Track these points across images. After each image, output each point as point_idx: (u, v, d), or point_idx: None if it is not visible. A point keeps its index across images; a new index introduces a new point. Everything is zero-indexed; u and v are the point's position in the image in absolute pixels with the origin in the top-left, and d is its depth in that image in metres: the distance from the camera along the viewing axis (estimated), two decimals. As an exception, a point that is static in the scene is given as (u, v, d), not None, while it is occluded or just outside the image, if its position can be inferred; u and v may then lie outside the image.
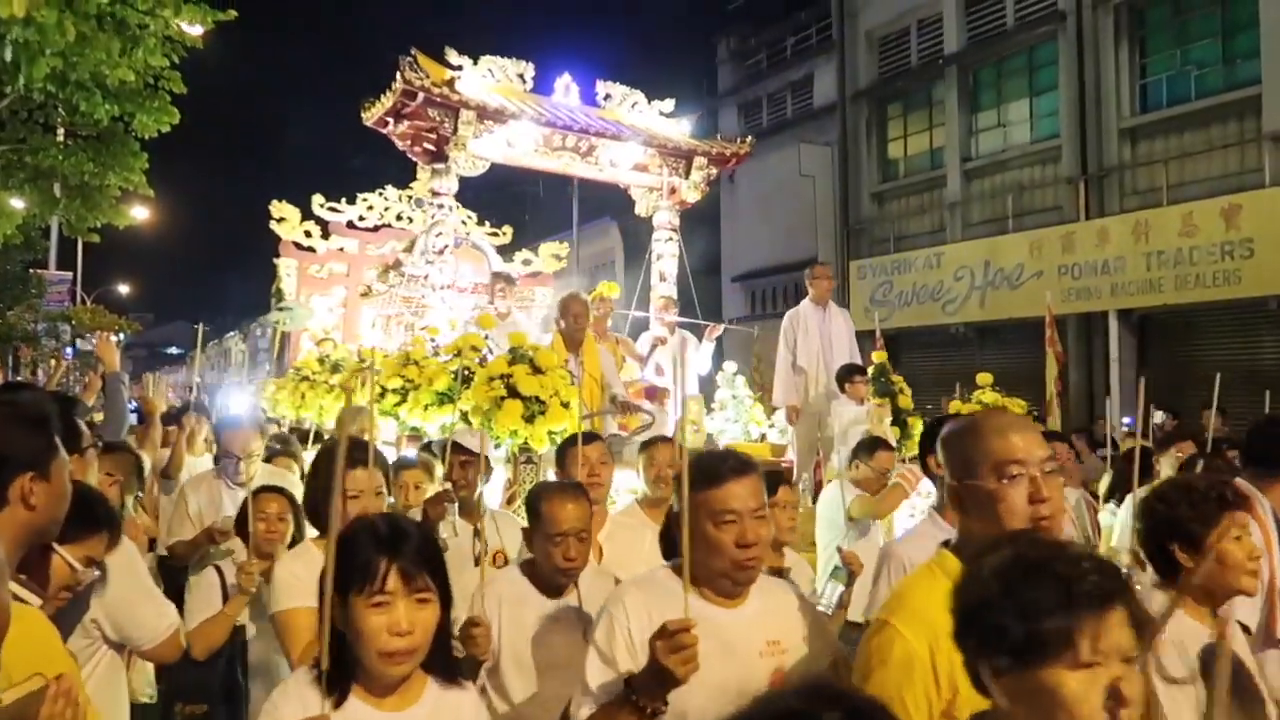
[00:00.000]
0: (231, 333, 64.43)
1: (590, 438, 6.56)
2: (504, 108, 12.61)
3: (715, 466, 3.39)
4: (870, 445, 8.66)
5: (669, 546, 3.86)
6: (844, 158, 29.15)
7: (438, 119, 12.32)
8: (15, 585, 2.67)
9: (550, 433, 9.08)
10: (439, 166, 12.75)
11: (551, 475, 8.16)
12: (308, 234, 17.75)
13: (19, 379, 22.71)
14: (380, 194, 18.27)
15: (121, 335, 31.96)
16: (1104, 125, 23.31)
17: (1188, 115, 22.20)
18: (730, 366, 13.60)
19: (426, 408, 10.17)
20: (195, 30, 14.33)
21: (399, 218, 18.38)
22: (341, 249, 18.19)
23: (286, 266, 17.93)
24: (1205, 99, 21.85)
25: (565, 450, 6.61)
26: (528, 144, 13.20)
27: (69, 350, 28.40)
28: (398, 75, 12.08)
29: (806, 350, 11.70)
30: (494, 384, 9.04)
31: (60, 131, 18.36)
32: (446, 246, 12.84)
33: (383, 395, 10.89)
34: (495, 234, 17.74)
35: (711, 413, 13.21)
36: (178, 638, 4.52)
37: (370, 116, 12.89)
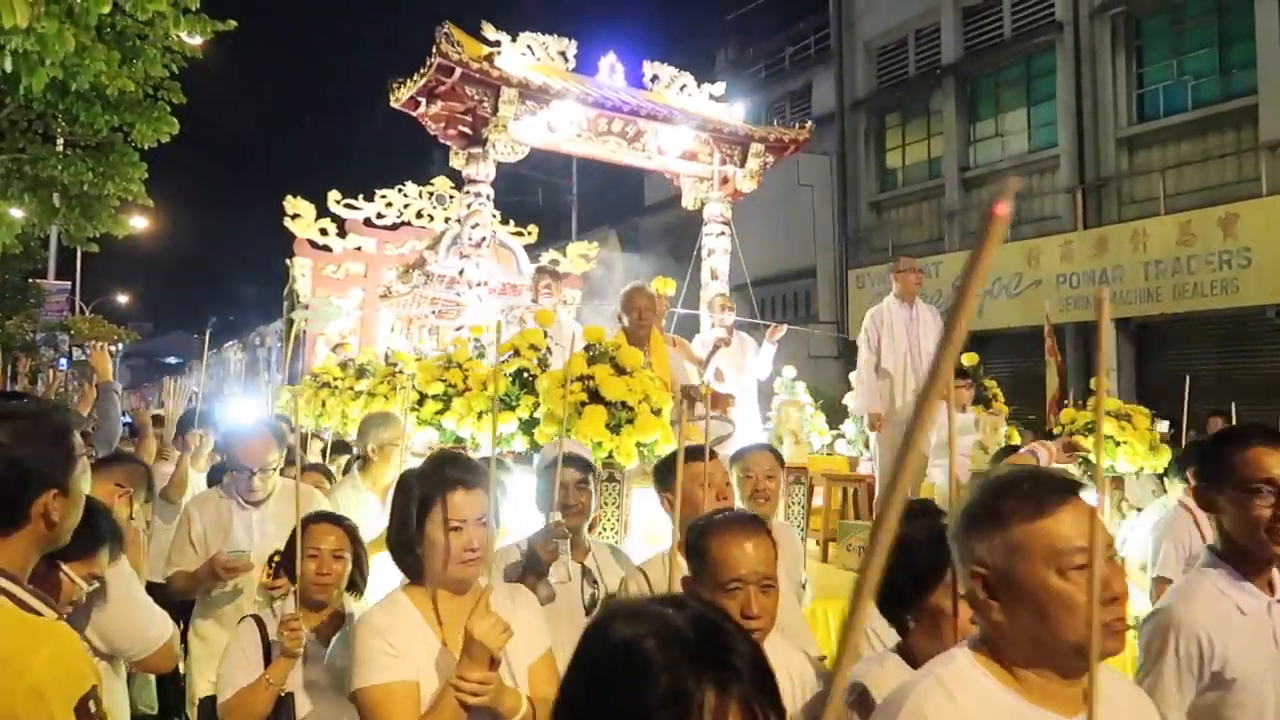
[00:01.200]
0: (230, 342, 61.76)
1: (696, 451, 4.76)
2: (548, 86, 10.58)
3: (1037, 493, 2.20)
4: (1007, 456, 6.85)
5: None
6: (842, 167, 27.70)
7: (476, 98, 10.29)
8: (31, 598, 2.43)
9: (638, 445, 7.07)
10: (475, 151, 10.72)
11: (641, 496, 6.95)
12: (323, 232, 15.64)
13: (17, 389, 21.45)
14: (399, 190, 16.12)
15: (120, 345, 30.10)
16: (1101, 135, 22.28)
17: (1185, 125, 21.27)
18: (789, 372, 11.49)
19: (480, 415, 8.15)
20: (195, 40, 13.23)
21: (419, 215, 16.21)
22: (359, 248, 16.01)
23: (301, 266, 15.79)
24: (1202, 109, 20.92)
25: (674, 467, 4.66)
26: (570, 128, 11.17)
27: (63, 361, 26.95)
28: (432, 49, 10.07)
29: (892, 351, 9.71)
30: (571, 387, 7.05)
31: (60, 141, 16.88)
32: (484, 239, 10.82)
33: (421, 402, 8.85)
34: (520, 233, 15.70)
35: (768, 420, 11.21)
36: (171, 648, 4.08)
37: (399, 97, 10.83)
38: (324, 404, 11.45)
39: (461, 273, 10.84)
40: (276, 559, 5.18)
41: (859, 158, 27.56)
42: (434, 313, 12.38)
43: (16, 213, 18.18)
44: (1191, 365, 18.99)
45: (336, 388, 11.46)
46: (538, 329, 8.36)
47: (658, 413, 7.15)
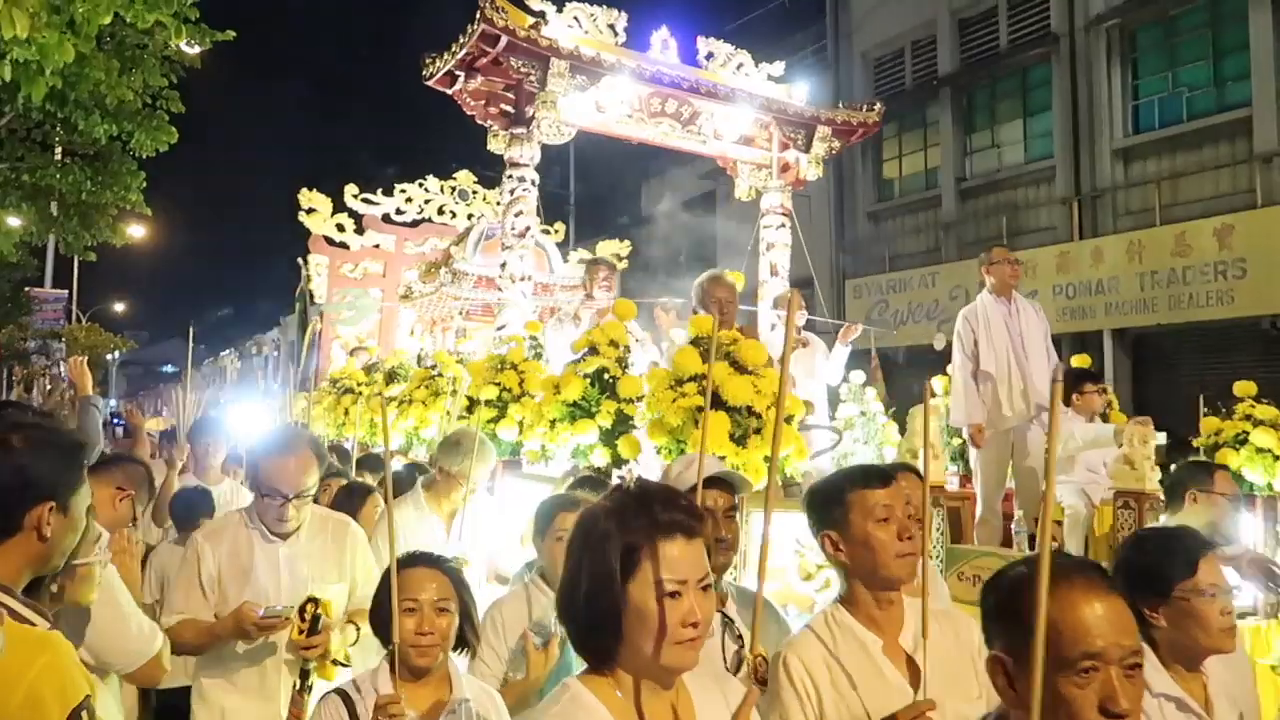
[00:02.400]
0: (227, 350, 59.10)
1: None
2: (600, 59, 8.80)
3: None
4: (1203, 470, 5.54)
5: None
6: (839, 177, 25.82)
7: (522, 70, 8.50)
8: (25, 609, 2.36)
9: (765, 459, 5.30)
10: (518, 132, 8.93)
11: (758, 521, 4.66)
12: (340, 228, 13.73)
13: (11, 398, 20.24)
14: (420, 184, 14.19)
15: (116, 353, 28.50)
16: (1097, 146, 20.80)
17: (1180, 136, 19.81)
18: (857, 376, 9.66)
19: (554, 424, 6.36)
20: (194, 50, 12.60)
21: (441, 211, 14.25)
22: (377, 245, 14.05)
23: (317, 264, 13.86)
24: (1197, 120, 19.51)
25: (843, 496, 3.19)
26: (621, 108, 9.40)
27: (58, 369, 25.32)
28: (475, 17, 8.29)
29: (992, 354, 7.95)
30: (685, 389, 5.28)
31: (58, 150, 16.30)
32: (528, 229, 9.02)
33: (471, 408, 7.09)
34: (546, 230, 13.85)
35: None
36: (160, 661, 3.57)
37: (433, 73, 9.02)
38: (346, 412, 9.61)
39: (504, 266, 9.02)
40: (312, 609, 4.03)
41: (856, 168, 25.89)
42: (461, 313, 10.61)
43: (14, 221, 17.75)
44: (1187, 376, 18.41)
45: (360, 393, 9.63)
46: (618, 322, 6.57)
47: (789, 420, 5.40)
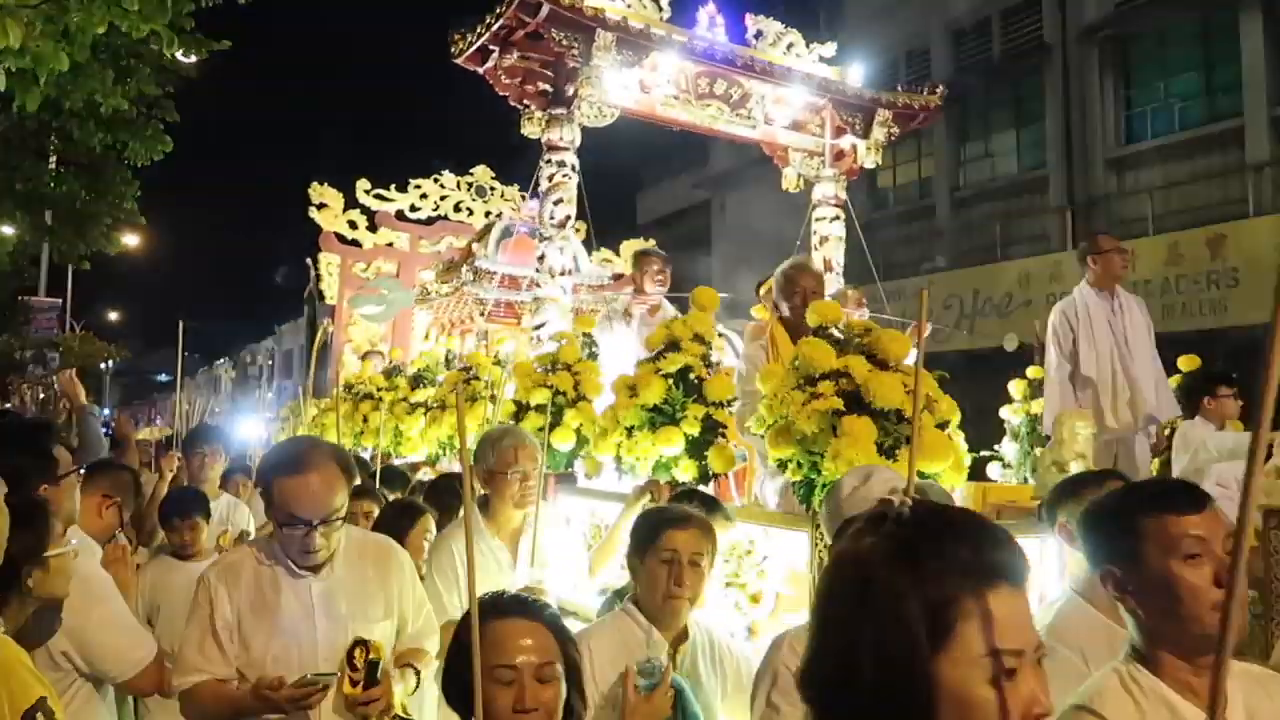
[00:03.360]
0: (221, 360, 56.96)
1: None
2: (649, 32, 7.55)
3: None
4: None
5: None
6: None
7: (565, 44, 7.22)
8: None
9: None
10: (558, 113, 7.63)
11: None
12: (352, 225, 12.36)
13: (6, 406, 19.13)
14: (436, 179, 12.82)
15: (110, 362, 27.11)
16: (1090, 156, 20.08)
17: (1172, 146, 19.16)
18: (920, 377, 8.44)
19: (631, 431, 5.09)
20: (189, 60, 11.42)
21: (457, 208, 12.85)
22: (391, 244, 12.67)
23: (328, 263, 12.44)
24: (1189, 130, 18.91)
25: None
26: (667, 88, 8.10)
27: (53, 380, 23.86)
28: (514, -14, 7.04)
29: (1093, 356, 6.72)
30: (818, 389, 4.03)
31: (53, 159, 15.17)
32: (569, 218, 7.74)
33: (519, 415, 5.85)
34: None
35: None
36: (157, 669, 3.39)
37: (463, 49, 7.72)
38: (365, 420, 8.29)
39: (541, 259, 7.73)
40: (364, 654, 3.11)
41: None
42: (483, 314, 9.35)
43: (8, 230, 16.52)
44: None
45: (380, 400, 8.31)
46: (704, 314, 5.32)
47: (943, 427, 4.15)
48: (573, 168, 7.72)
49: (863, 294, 8.28)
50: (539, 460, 4.72)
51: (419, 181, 12.59)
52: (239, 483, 7.46)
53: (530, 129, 7.90)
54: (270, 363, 44.22)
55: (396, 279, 10.42)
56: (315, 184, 12.14)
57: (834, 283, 8.81)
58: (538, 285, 7.72)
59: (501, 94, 7.94)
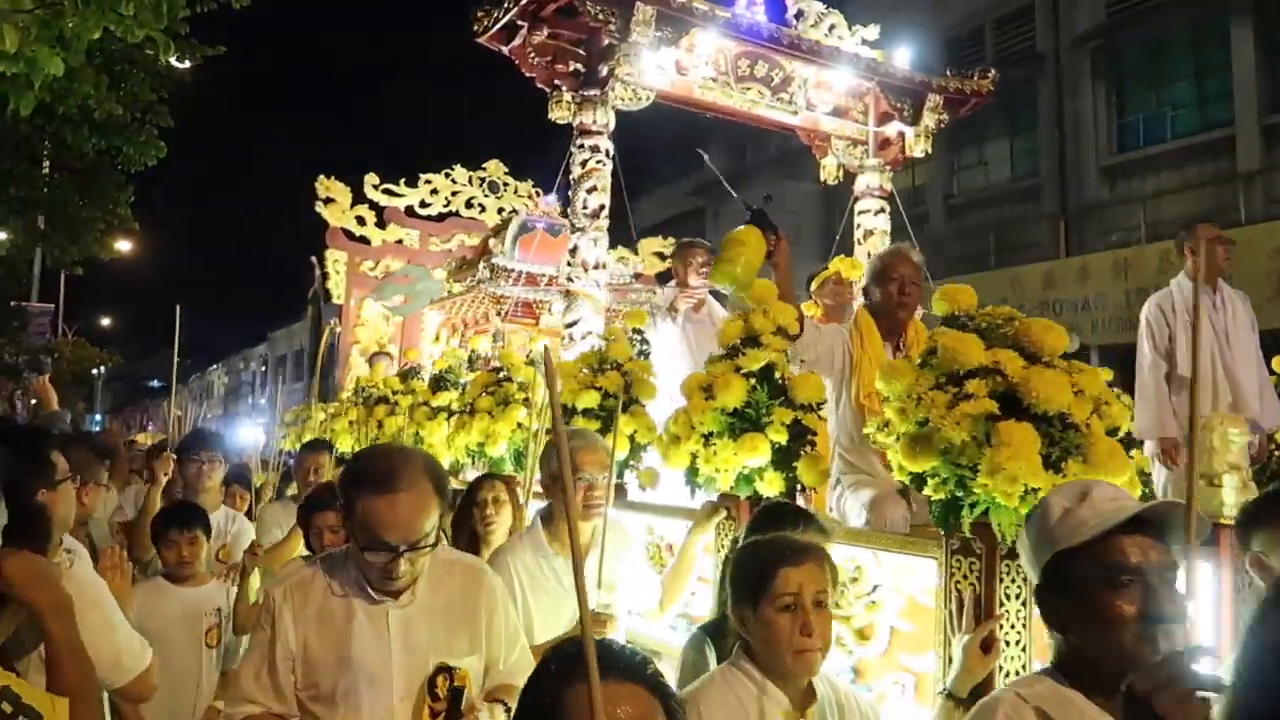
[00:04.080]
0: (214, 366, 55.45)
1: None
2: (690, 6, 6.69)
3: None
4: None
5: None
6: (827, 195, 23.66)
7: (601, 18, 6.35)
8: None
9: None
10: (591, 94, 6.76)
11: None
12: (360, 220, 11.41)
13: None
14: (446, 174, 11.86)
15: (102, 368, 26.24)
16: (1083, 164, 19.49)
17: (1164, 154, 18.55)
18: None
19: (708, 440, 4.23)
20: (184, 65, 11.23)
21: (469, 204, 11.88)
22: (400, 241, 11.69)
23: (335, 260, 11.47)
24: (1181, 139, 18.27)
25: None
26: (705, 69, 7.23)
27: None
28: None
29: (1192, 353, 5.89)
30: (969, 386, 3.19)
31: (46, 164, 14.67)
32: (602, 208, 6.87)
33: (569, 418, 5.10)
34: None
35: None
36: (150, 675, 3.15)
37: (486, 27, 6.85)
38: (380, 425, 7.38)
39: (574, 251, 6.85)
40: (446, 682, 2.64)
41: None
42: (499, 314, 8.48)
43: (1, 235, 16.22)
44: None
45: (396, 404, 7.41)
46: (788, 306, 4.46)
47: (1113, 433, 3.31)
48: (606, 153, 6.87)
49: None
50: (608, 466, 3.94)
51: (429, 176, 11.62)
52: (236, 494, 6.68)
53: (559, 113, 7.02)
54: (263, 369, 43.01)
55: (424, 267, 9.46)
56: (322, 178, 11.20)
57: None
58: (570, 281, 6.84)
59: (528, 75, 7.06)
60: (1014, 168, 21.07)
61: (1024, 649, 3.27)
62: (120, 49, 10.69)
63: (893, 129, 8.03)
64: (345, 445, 7.79)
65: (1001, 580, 3.29)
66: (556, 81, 6.93)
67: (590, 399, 5.12)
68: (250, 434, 12.91)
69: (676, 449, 4.32)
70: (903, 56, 7.93)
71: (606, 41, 6.56)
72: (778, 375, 4.24)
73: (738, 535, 3.98)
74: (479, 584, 2.89)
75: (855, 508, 4.54)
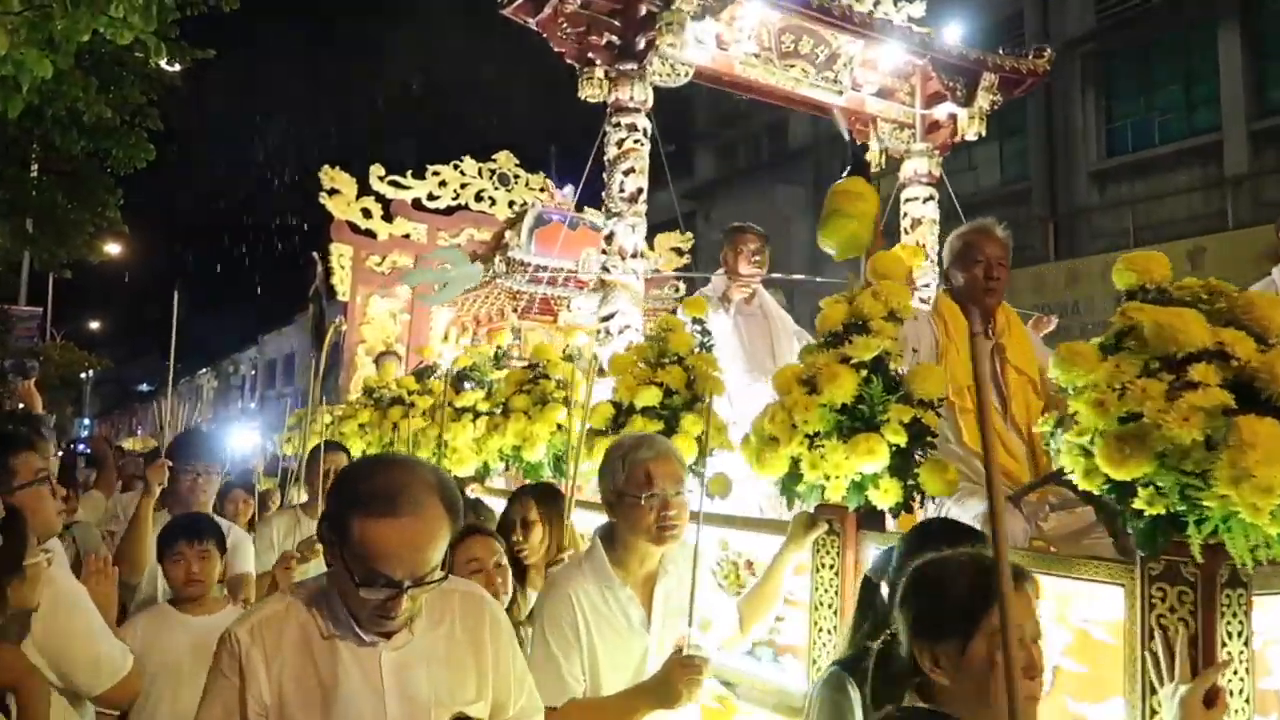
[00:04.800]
0: (203, 370, 53.88)
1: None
2: (736, -26, 5.95)
3: None
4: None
5: None
6: (818, 200, 23.03)
7: (641, -14, 5.64)
8: None
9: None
10: (628, 68, 5.96)
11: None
12: (366, 213, 10.51)
13: None
14: (455, 166, 10.93)
15: (90, 372, 25.31)
16: (1073, 168, 19.04)
17: (1153, 160, 18.17)
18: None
19: (812, 442, 3.45)
20: (174, 68, 11.31)
21: (479, 197, 10.95)
22: (407, 236, 10.75)
23: (340, 255, 10.53)
24: (1169, 144, 17.89)
25: None
26: (748, 44, 6.42)
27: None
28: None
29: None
30: (1194, 371, 2.44)
31: (34, 167, 14.35)
32: (642, 191, 6.09)
33: (620, 421, 4.51)
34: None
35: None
36: (131, 681, 3.06)
37: (514, -1, 6.08)
38: (395, 428, 6.56)
39: (610, 238, 6.05)
40: None
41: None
42: (515, 310, 7.68)
43: None
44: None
45: (412, 405, 6.58)
46: (901, 285, 3.69)
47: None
48: (645, 133, 6.08)
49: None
50: (683, 479, 3.13)
51: (437, 167, 10.72)
52: (239, 499, 5.87)
53: (590, 90, 6.23)
54: (253, 372, 41.80)
55: (459, 249, 8.58)
56: (326, 168, 10.31)
57: (929, 273, 7.24)
58: (606, 270, 6.05)
59: (557, 50, 6.27)
60: (1004, 171, 20.59)
61: (1248, 700, 2.54)
62: (110, 51, 10.39)
63: (942, 111, 7.28)
64: (356, 449, 6.95)
65: (1222, 615, 2.54)
66: (590, 55, 6.13)
67: (650, 396, 4.33)
68: (246, 438, 12.12)
69: (773, 453, 3.53)
70: (954, 34, 7.18)
71: (645, 10, 5.78)
72: (892, 367, 3.48)
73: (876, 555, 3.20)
74: (481, 614, 2.29)
75: (963, 520, 3.77)
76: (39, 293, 23.98)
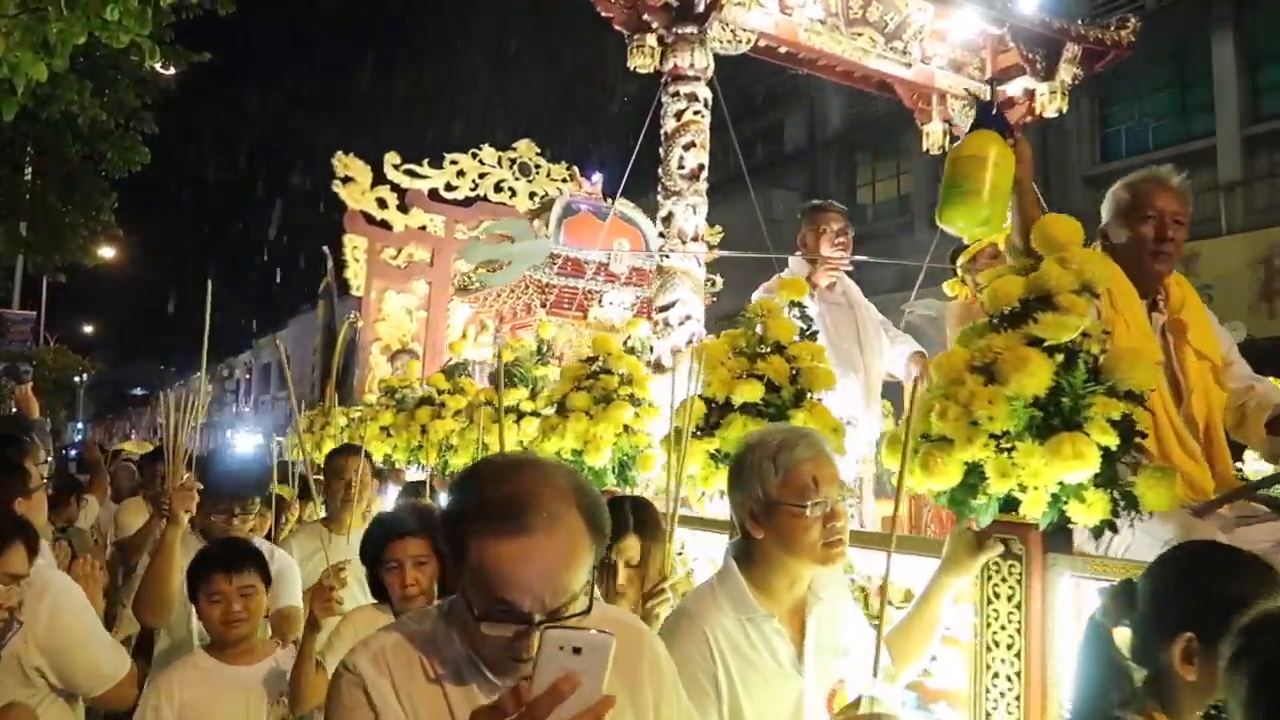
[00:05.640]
0: (197, 374, 52.29)
1: None
2: (807, -77, 5.15)
3: None
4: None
5: None
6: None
7: (703, -62, 4.82)
8: None
9: None
10: (686, 32, 5.14)
11: None
12: (381, 203, 9.56)
13: None
14: (474, 154, 9.94)
15: (84, 375, 24.45)
16: (1068, 173, 18.51)
17: (1147, 164, 16.64)
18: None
19: (998, 443, 2.62)
20: (169, 71, 11.16)
21: (498, 188, 9.96)
22: (423, 227, 9.78)
23: (354, 246, 9.55)
24: (1163, 149, 17.26)
25: None
26: (814, 9, 5.59)
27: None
28: None
29: None
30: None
31: (29, 170, 13.97)
32: (703, 168, 5.26)
33: (710, 419, 3.61)
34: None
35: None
36: (129, 683, 2.90)
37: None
38: (423, 431, 5.69)
39: (669, 219, 5.22)
40: None
41: (829, 194, 22.59)
42: (544, 305, 6.85)
43: None
44: (1156, 402, 16.15)
45: (443, 405, 5.71)
46: (1096, 253, 2.89)
47: None
48: (705, 103, 5.27)
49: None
50: (841, 483, 2.44)
51: (455, 156, 9.75)
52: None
53: (640, 60, 5.39)
54: (248, 376, 40.60)
55: (524, 220, 7.64)
56: (340, 154, 9.37)
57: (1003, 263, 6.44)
58: (665, 256, 5.22)
59: (605, 15, 5.44)
60: (999, 176, 19.94)
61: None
62: (105, 54, 10.24)
63: (1016, 87, 6.49)
64: (377, 453, 6.05)
65: None
66: (645, 17, 5.29)
67: (751, 391, 3.51)
68: (247, 441, 11.23)
69: (946, 457, 2.71)
70: (1031, 2, 6.36)
71: (708, -35, 4.97)
72: (1087, 351, 2.67)
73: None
74: (640, 649, 1.78)
75: (1150, 544, 2.93)
76: (33, 296, 23.06)
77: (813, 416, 3.54)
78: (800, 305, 3.86)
